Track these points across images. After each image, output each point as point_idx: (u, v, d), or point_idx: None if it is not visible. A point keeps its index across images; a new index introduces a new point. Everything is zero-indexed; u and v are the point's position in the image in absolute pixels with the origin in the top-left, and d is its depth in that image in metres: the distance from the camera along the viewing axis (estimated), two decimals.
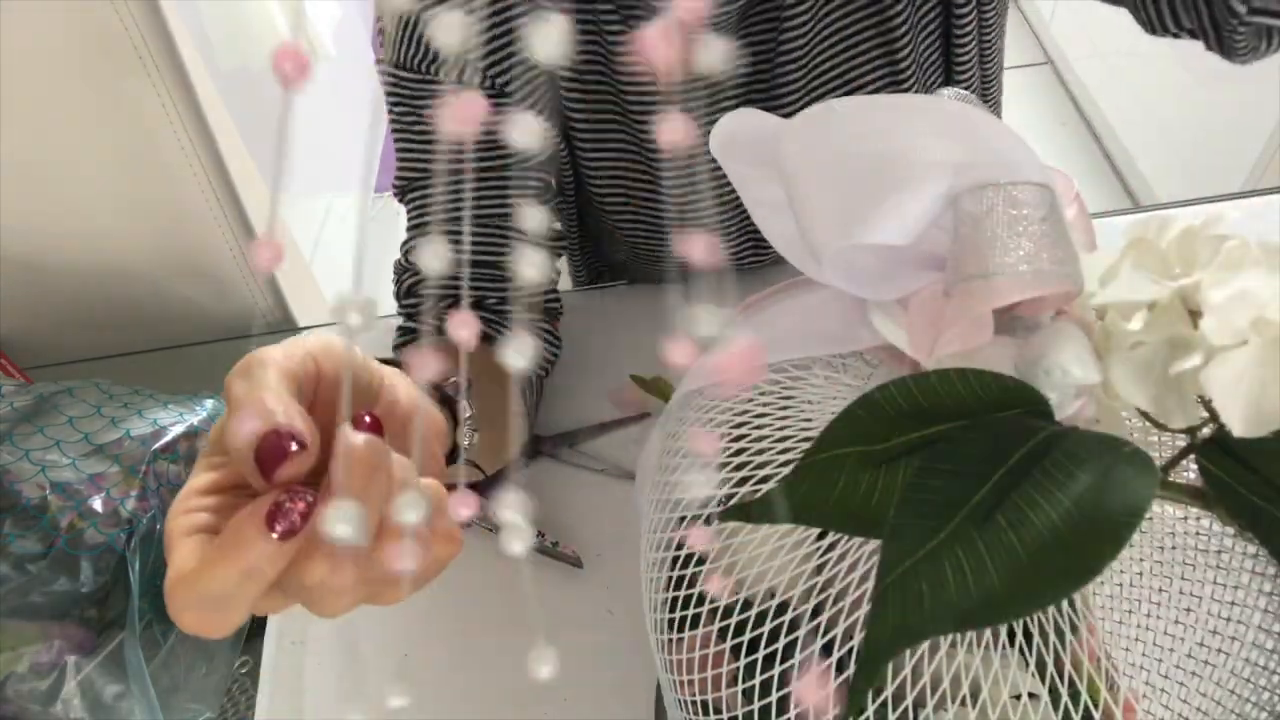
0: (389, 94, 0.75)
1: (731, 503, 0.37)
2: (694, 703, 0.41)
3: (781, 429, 0.38)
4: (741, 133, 0.40)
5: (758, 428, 0.39)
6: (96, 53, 1.13)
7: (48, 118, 1.16)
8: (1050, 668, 0.33)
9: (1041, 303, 0.33)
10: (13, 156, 1.16)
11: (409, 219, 0.77)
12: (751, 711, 0.36)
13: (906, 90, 0.78)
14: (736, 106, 0.78)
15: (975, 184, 0.32)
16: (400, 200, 0.77)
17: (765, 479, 0.37)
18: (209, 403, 0.86)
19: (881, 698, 0.33)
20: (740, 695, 0.38)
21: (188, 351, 1.29)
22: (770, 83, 0.77)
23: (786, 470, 0.37)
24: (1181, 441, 0.35)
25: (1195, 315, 0.29)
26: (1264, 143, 1.71)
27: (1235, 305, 0.28)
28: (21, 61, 1.11)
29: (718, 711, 0.40)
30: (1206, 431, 0.32)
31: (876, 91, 0.78)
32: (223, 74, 1.33)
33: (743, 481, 0.38)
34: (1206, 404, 0.31)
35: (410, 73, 0.72)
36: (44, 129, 1.17)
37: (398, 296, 0.75)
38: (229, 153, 1.28)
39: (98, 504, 0.78)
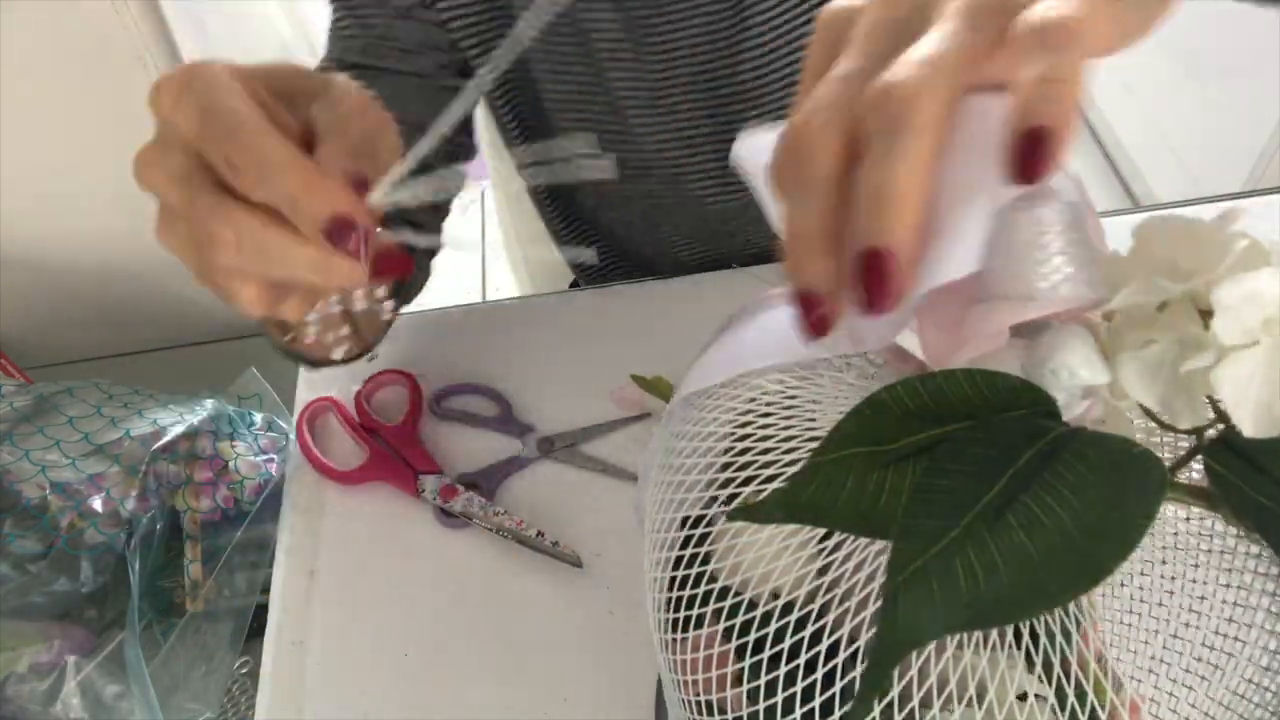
0: None
1: (736, 503, 0.37)
2: (697, 703, 0.41)
3: (786, 429, 0.38)
4: (761, 150, 0.39)
5: (762, 428, 0.39)
6: (96, 53, 1.13)
7: (48, 118, 1.16)
8: (1056, 668, 0.33)
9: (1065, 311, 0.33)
10: (13, 156, 1.16)
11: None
12: (756, 712, 0.36)
13: None
14: (702, 48, 0.78)
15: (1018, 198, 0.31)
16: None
17: (770, 479, 0.37)
18: (209, 403, 0.86)
19: (887, 699, 0.33)
20: (745, 696, 0.38)
21: (188, 351, 1.29)
22: (740, 19, 0.77)
23: (791, 471, 0.37)
24: (1185, 442, 0.35)
25: (1206, 315, 0.29)
26: (1264, 143, 1.72)
27: (1246, 305, 0.28)
28: (21, 61, 1.11)
29: (722, 712, 0.40)
30: (1213, 432, 0.32)
31: None
32: None
33: (747, 482, 0.38)
34: (1214, 404, 0.31)
35: None
36: (44, 129, 1.17)
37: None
38: None
39: (98, 504, 0.77)
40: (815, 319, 0.32)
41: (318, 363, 0.71)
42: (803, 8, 0.76)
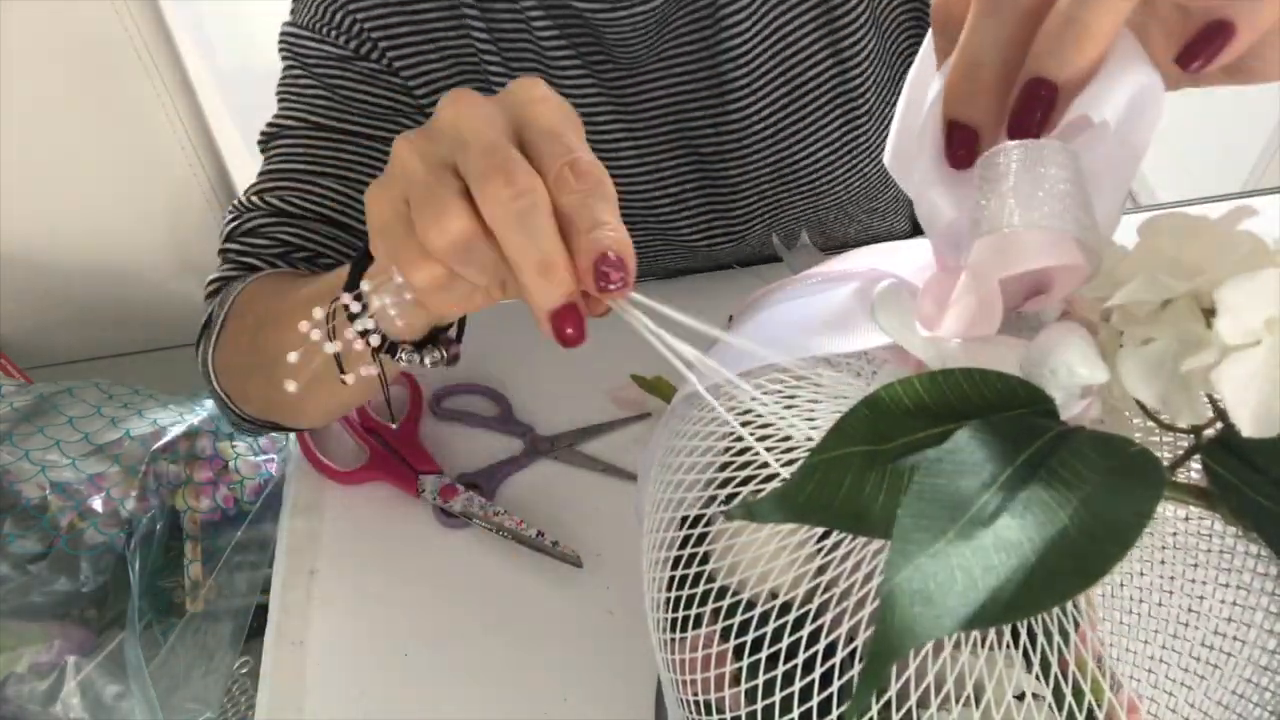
0: (283, 46, 0.77)
1: (735, 502, 0.37)
2: (696, 702, 0.41)
3: (785, 428, 0.38)
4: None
5: (761, 427, 0.39)
6: (96, 53, 1.13)
7: (48, 118, 1.16)
8: (1054, 668, 0.33)
9: (1054, 284, 0.33)
10: (13, 156, 1.16)
11: (267, 164, 0.78)
12: (754, 712, 0.36)
13: (860, 92, 0.78)
14: (683, 107, 0.78)
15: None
16: (264, 148, 0.78)
17: (769, 479, 0.37)
18: (209, 403, 0.86)
19: (885, 698, 0.33)
20: (743, 695, 0.38)
21: (188, 351, 1.29)
22: (719, 83, 0.77)
23: (790, 470, 0.37)
24: (1183, 442, 0.35)
25: (1208, 314, 0.29)
26: (1264, 143, 1.71)
27: (1250, 304, 0.28)
28: (21, 61, 1.11)
29: (720, 711, 0.40)
30: (1211, 431, 0.32)
31: (826, 92, 0.78)
32: (223, 74, 1.33)
33: (746, 481, 0.38)
34: (1214, 403, 0.31)
35: (310, 33, 0.75)
36: (44, 129, 1.17)
37: (232, 235, 0.76)
38: (229, 153, 1.28)
39: (98, 504, 0.77)
40: (962, 152, 0.35)
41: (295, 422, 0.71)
42: (779, 66, 0.77)
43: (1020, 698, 0.34)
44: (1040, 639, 0.33)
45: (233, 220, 0.77)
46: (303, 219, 0.75)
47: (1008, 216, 0.31)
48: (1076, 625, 0.34)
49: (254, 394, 0.69)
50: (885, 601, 0.24)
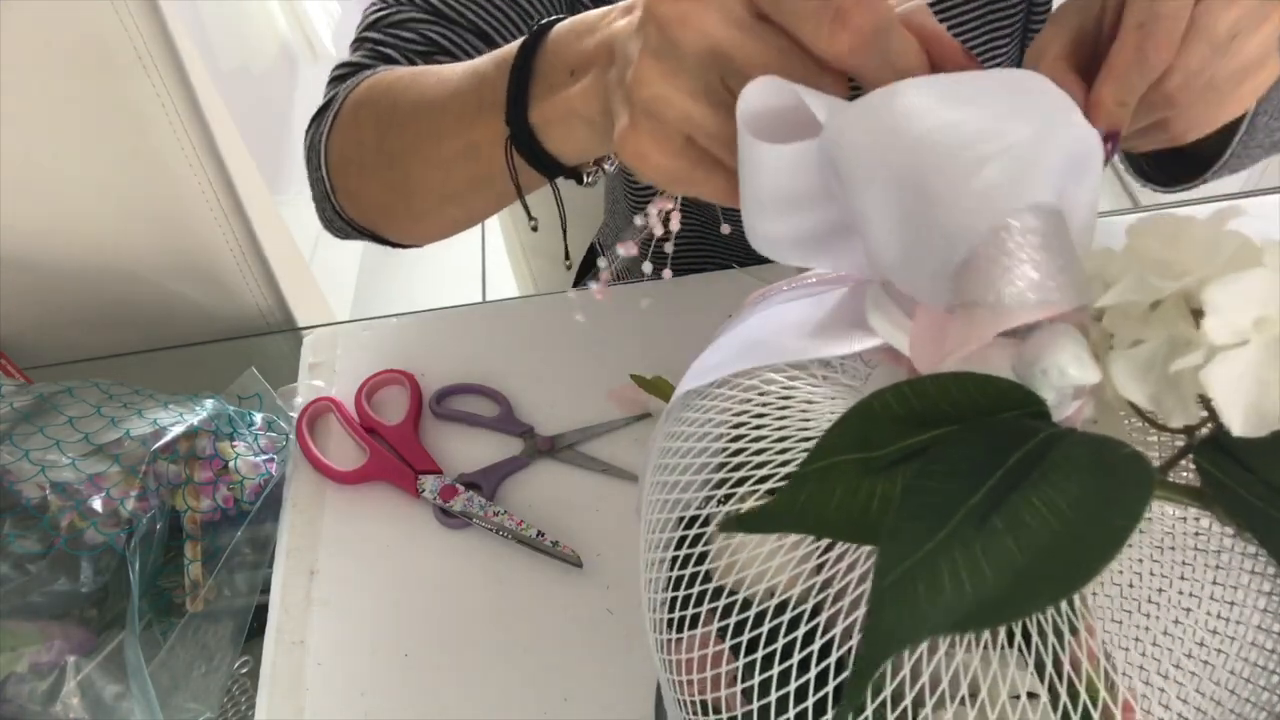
0: None
1: (729, 505, 0.38)
2: (693, 702, 0.41)
3: (780, 429, 0.38)
4: (774, 108, 0.38)
5: (756, 428, 0.39)
6: (96, 53, 1.13)
7: (48, 118, 1.16)
8: (1049, 668, 0.33)
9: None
10: (13, 157, 1.16)
11: None
12: (751, 711, 0.36)
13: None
14: None
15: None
16: None
17: (764, 480, 0.37)
18: (209, 403, 0.85)
19: (881, 697, 0.33)
20: (740, 695, 0.38)
21: (188, 351, 1.29)
22: None
23: (785, 471, 0.37)
24: (1179, 442, 0.35)
25: (1197, 314, 0.29)
26: None
27: (1238, 304, 0.28)
28: (21, 62, 1.11)
29: (717, 711, 0.40)
30: (1204, 431, 0.33)
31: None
32: (223, 74, 1.33)
33: (741, 482, 0.38)
34: (1206, 403, 0.31)
35: None
36: (44, 129, 1.17)
37: (377, 24, 0.75)
38: (229, 153, 1.28)
39: (98, 504, 0.77)
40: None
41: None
42: None
43: (1017, 698, 0.34)
44: (1035, 639, 0.33)
45: (380, 10, 0.75)
46: (457, 25, 0.72)
47: (989, 289, 0.31)
48: (1072, 627, 0.34)
49: (369, 192, 0.68)
50: (874, 604, 0.24)
